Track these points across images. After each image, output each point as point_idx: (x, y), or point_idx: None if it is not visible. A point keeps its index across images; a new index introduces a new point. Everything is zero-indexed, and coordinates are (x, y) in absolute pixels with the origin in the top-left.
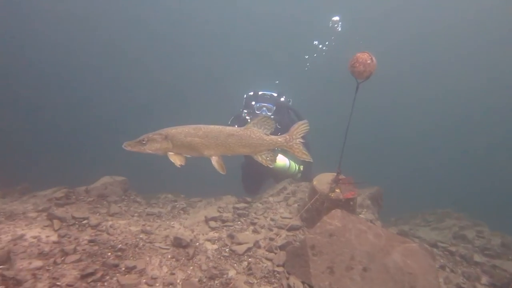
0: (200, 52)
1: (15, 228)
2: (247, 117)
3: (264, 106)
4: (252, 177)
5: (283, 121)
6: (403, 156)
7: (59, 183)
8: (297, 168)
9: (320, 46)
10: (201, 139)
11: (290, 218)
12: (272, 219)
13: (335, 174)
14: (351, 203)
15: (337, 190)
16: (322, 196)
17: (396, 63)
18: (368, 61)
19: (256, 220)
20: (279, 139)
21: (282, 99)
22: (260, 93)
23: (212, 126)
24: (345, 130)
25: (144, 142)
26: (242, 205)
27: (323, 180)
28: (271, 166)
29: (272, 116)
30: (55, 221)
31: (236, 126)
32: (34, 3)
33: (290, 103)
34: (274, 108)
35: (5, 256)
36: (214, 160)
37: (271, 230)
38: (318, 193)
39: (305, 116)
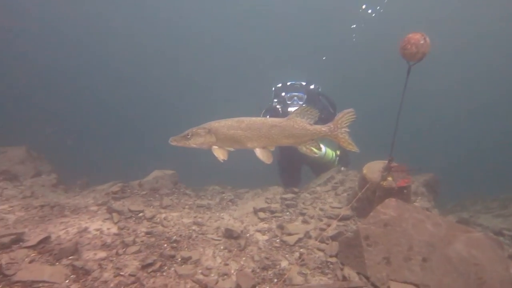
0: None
1: (80, 221)
2: (277, 106)
3: (295, 96)
4: (290, 169)
5: (315, 108)
6: (456, 140)
7: (114, 178)
8: (333, 154)
9: (369, 11)
10: (244, 132)
11: (340, 208)
12: (321, 209)
13: (387, 161)
14: (405, 191)
15: (389, 178)
16: (373, 185)
17: (453, 37)
18: (421, 42)
19: (305, 211)
20: (323, 129)
21: (312, 86)
22: (288, 83)
23: (254, 118)
24: (396, 115)
25: (188, 136)
26: (289, 195)
27: (373, 168)
28: (316, 156)
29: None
30: (114, 214)
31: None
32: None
33: (319, 90)
34: (305, 96)
35: (74, 248)
36: (258, 152)
37: (321, 220)
38: (369, 182)
39: (336, 100)
